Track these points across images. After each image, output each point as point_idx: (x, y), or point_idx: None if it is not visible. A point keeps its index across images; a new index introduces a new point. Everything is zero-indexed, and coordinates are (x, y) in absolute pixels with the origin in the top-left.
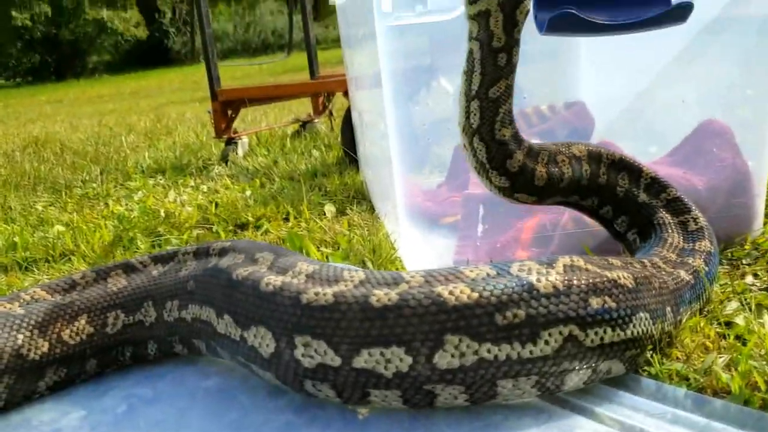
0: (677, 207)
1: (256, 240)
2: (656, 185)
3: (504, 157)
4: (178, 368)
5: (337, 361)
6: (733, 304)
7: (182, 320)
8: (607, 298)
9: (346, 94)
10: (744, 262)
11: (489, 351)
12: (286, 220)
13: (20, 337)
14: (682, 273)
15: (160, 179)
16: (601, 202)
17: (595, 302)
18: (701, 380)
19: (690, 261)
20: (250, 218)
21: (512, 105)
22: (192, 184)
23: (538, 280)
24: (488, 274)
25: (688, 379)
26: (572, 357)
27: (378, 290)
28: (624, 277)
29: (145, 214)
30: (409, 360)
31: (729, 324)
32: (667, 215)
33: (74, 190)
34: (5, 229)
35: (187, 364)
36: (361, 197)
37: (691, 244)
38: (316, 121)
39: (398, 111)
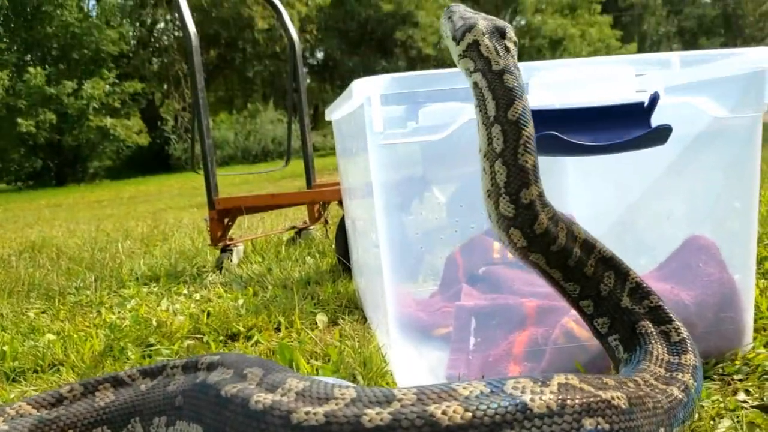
0: (659, 316)
1: (247, 352)
2: (640, 291)
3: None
4: None
5: None
6: (725, 422)
7: None
8: (600, 419)
9: (341, 203)
10: (735, 378)
11: None
12: (278, 330)
13: None
14: (675, 390)
15: (154, 287)
16: (583, 293)
17: (588, 423)
18: None
19: (679, 376)
20: (242, 328)
21: (533, 133)
22: (185, 291)
23: (532, 400)
24: (482, 392)
25: None
26: None
27: (369, 410)
28: (618, 398)
29: (137, 323)
30: None
31: None
32: (649, 324)
33: (68, 297)
34: None
35: None
36: (354, 306)
37: (676, 358)
38: (311, 228)
39: (389, 221)
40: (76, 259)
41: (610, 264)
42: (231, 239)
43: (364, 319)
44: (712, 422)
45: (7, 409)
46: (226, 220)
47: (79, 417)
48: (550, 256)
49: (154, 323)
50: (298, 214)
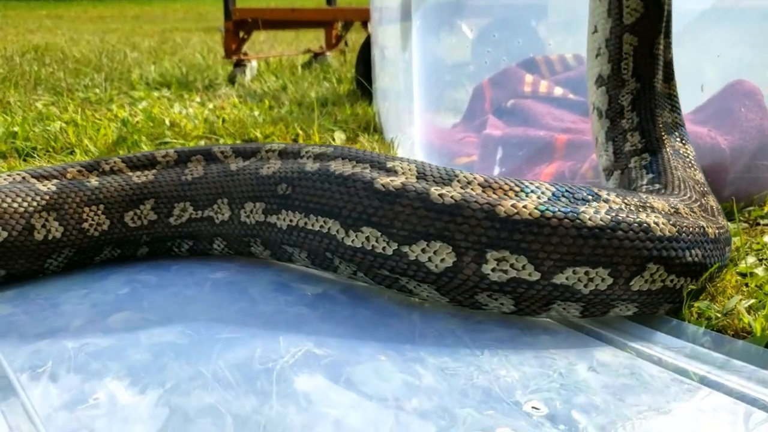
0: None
1: None
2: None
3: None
4: (186, 261)
5: (535, 276)
6: (750, 259)
7: (270, 225)
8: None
9: (364, 24)
10: (762, 222)
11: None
12: (295, 141)
13: (86, 210)
14: (721, 220)
15: (165, 92)
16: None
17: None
18: (722, 320)
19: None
20: (259, 135)
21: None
22: (198, 100)
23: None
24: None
25: (709, 319)
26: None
27: (585, 211)
28: (709, 227)
29: (150, 120)
30: (609, 281)
31: (745, 275)
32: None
33: (76, 93)
34: (4, 120)
35: (195, 259)
36: (373, 129)
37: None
38: (327, 54)
39: (424, 45)
40: (83, 62)
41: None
42: (245, 54)
43: (384, 140)
44: (737, 258)
45: (103, 163)
46: (241, 33)
47: (164, 188)
48: None
49: (167, 123)
50: (314, 43)
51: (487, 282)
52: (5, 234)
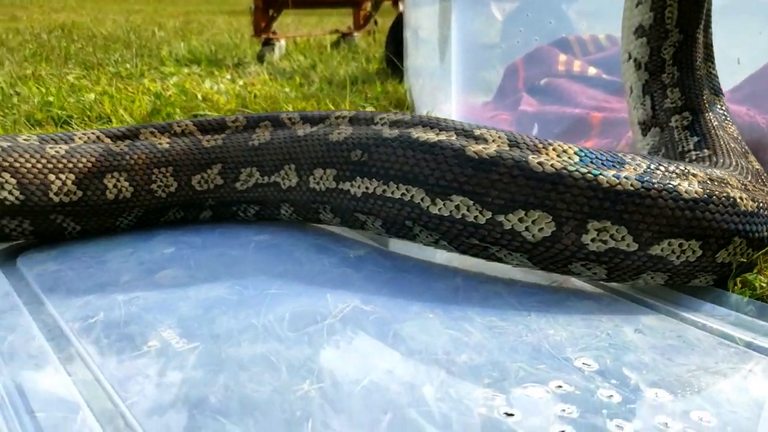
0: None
1: None
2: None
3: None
4: (230, 224)
5: (633, 247)
6: None
7: (342, 192)
8: None
9: (395, 3)
10: None
11: None
12: None
13: (156, 172)
14: None
15: (195, 69)
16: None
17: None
18: (766, 290)
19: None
20: (291, 110)
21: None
22: (228, 76)
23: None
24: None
25: (753, 289)
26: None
27: (681, 183)
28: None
29: (183, 93)
30: (699, 252)
31: None
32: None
33: (106, 68)
34: (39, 91)
35: (239, 222)
36: (404, 106)
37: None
38: (355, 34)
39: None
40: (111, 38)
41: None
42: (274, 33)
43: None
44: None
45: (175, 125)
46: (271, 11)
47: (232, 153)
48: None
49: (200, 97)
50: (342, 24)
51: (585, 252)
52: (80, 193)
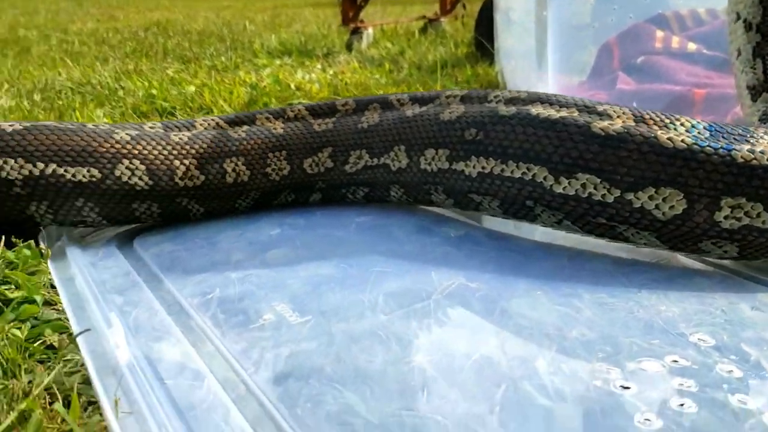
0: None
1: None
2: None
3: None
4: (331, 206)
5: None
6: None
7: (456, 172)
8: None
9: None
10: None
11: None
12: None
13: (270, 156)
14: None
15: (287, 60)
16: None
17: None
18: None
19: None
20: None
21: None
22: (318, 66)
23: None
24: None
25: None
26: None
27: None
28: None
29: (277, 84)
30: None
31: None
32: None
33: (203, 61)
34: (142, 84)
35: (340, 205)
36: (495, 88)
37: None
38: (442, 20)
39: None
40: (205, 33)
41: None
42: (362, 21)
43: None
44: None
45: (288, 110)
46: (358, 1)
47: (342, 136)
48: None
49: (293, 87)
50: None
51: (717, 230)
52: (203, 177)
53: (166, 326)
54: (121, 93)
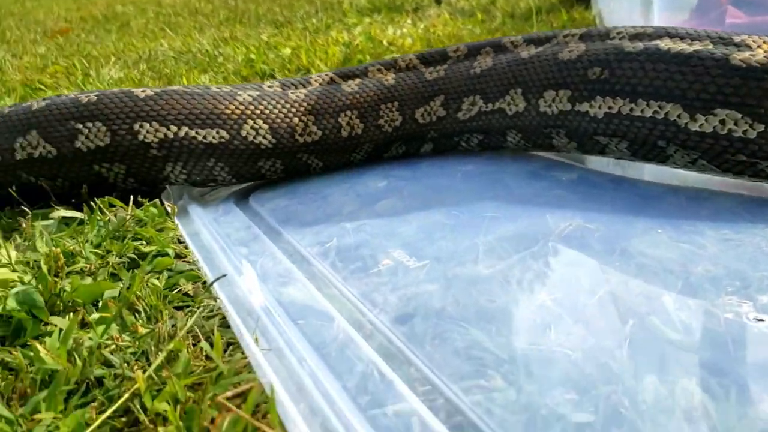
0: None
1: None
2: None
3: None
4: (433, 157)
5: None
6: None
7: (579, 114)
8: None
9: None
10: None
11: None
12: None
13: (383, 107)
14: None
15: (376, 17)
16: None
17: None
18: None
19: None
20: None
21: None
22: (409, 21)
23: None
24: None
25: None
26: None
27: None
28: None
29: (370, 41)
30: None
31: None
32: None
33: (294, 24)
34: (239, 50)
35: (443, 155)
36: None
37: None
38: None
39: None
40: None
41: None
42: None
43: None
44: None
45: (399, 61)
46: None
47: (454, 83)
48: None
49: (385, 43)
50: None
51: None
52: (320, 133)
53: (290, 273)
54: (220, 59)
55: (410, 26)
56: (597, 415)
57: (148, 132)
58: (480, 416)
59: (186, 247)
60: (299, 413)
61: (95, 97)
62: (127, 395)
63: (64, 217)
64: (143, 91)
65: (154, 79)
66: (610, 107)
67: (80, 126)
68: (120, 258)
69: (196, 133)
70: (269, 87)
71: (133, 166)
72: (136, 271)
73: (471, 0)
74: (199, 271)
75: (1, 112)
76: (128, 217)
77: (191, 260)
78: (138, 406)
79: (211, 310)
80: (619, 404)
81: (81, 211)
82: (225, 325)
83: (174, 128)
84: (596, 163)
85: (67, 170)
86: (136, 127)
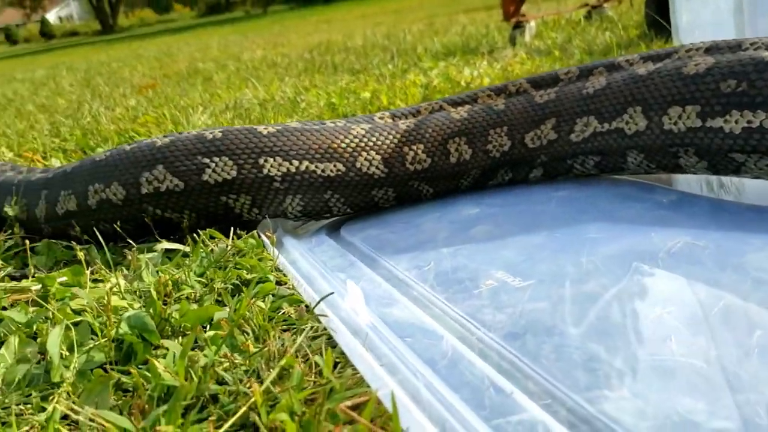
0: None
1: None
2: None
3: None
4: (525, 186)
5: None
6: None
7: (712, 130)
8: None
9: None
10: None
11: None
12: None
13: (491, 132)
14: None
15: (451, 60)
16: None
17: None
18: None
19: None
20: None
21: None
22: (484, 62)
23: None
24: None
25: None
26: None
27: None
28: None
29: (448, 81)
30: None
31: None
32: None
33: (371, 71)
34: (321, 96)
35: (532, 184)
36: None
37: None
38: (605, 6)
39: None
40: (367, 46)
41: None
42: (523, 15)
43: None
44: None
45: (510, 85)
46: None
47: (565, 105)
48: None
49: (463, 83)
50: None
51: None
52: (429, 160)
53: (391, 295)
54: (303, 105)
55: (486, 66)
56: (733, 422)
57: (272, 166)
58: (608, 425)
59: (284, 275)
60: (427, 420)
61: (220, 134)
62: (244, 408)
63: (167, 250)
64: (265, 128)
65: (242, 124)
66: (749, 121)
67: (207, 160)
68: (224, 284)
69: (316, 166)
70: (380, 119)
71: (258, 198)
72: (241, 295)
73: (546, 40)
74: (301, 295)
75: (123, 150)
76: (229, 248)
77: (291, 286)
78: (257, 418)
79: (316, 331)
80: (754, 414)
81: (183, 244)
82: (331, 345)
83: (296, 162)
84: (685, 185)
85: (194, 202)
86: (261, 161)
